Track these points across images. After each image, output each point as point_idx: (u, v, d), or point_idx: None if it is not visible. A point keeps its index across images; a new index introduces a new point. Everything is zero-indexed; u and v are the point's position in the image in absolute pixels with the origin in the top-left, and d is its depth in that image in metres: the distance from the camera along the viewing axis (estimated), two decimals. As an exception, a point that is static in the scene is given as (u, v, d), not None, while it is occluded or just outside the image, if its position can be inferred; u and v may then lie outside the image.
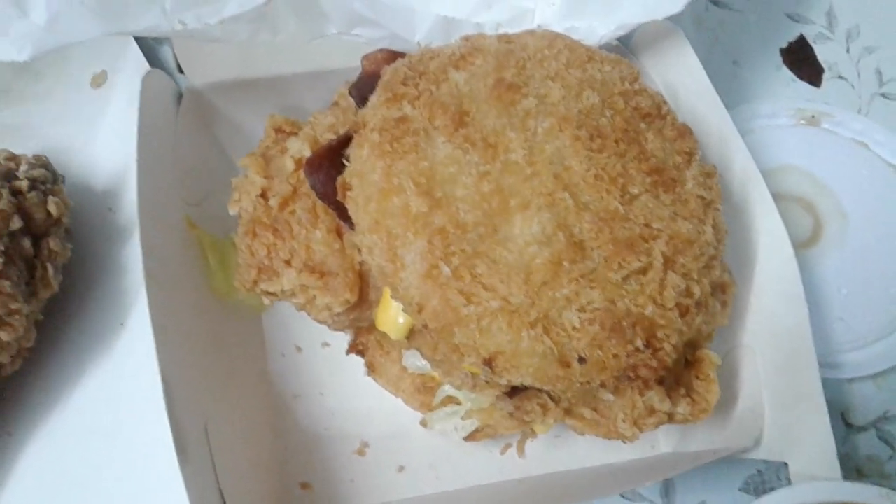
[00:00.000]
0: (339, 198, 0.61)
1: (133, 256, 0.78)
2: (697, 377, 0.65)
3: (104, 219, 0.79)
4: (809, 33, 0.93)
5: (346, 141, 0.63)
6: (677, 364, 0.65)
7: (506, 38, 0.66)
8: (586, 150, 0.60)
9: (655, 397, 0.63)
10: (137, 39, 0.78)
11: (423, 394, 0.71)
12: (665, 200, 0.62)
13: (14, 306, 0.64)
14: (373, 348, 0.73)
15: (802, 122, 0.87)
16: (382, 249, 0.57)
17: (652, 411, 0.63)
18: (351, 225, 0.62)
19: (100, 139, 0.81)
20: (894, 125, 0.87)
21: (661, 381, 0.63)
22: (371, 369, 0.73)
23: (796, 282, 0.69)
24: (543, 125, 0.61)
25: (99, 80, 0.81)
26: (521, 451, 0.74)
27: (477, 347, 0.56)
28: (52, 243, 0.70)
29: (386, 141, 0.59)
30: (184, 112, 0.75)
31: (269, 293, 0.66)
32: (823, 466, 0.63)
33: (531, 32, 0.67)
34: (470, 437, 0.71)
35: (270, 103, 0.77)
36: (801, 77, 0.90)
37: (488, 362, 0.57)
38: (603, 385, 0.59)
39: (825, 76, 0.90)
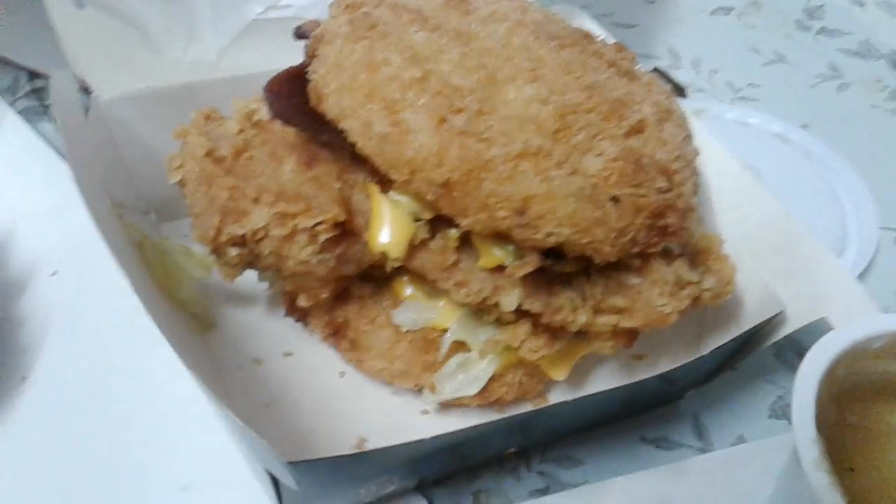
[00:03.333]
0: (313, 104, 0.56)
1: (29, 309, 0.66)
2: (709, 259, 0.62)
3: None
4: (662, 66, 1.04)
5: (304, 66, 0.60)
6: (687, 249, 0.62)
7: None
8: (548, 46, 0.61)
9: (682, 267, 0.59)
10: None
11: (425, 352, 0.61)
12: (633, 84, 0.63)
13: None
14: (355, 319, 0.63)
15: (686, 118, 0.94)
16: (382, 116, 0.52)
17: (682, 284, 0.59)
18: (330, 138, 0.56)
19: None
20: (762, 110, 0.97)
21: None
22: (354, 349, 0.63)
23: (754, 185, 0.70)
24: (503, 26, 0.61)
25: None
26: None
27: (509, 195, 0.51)
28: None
29: (359, 29, 0.56)
30: (92, 124, 0.67)
31: (236, 239, 0.56)
32: (858, 308, 0.60)
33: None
34: (486, 393, 0.61)
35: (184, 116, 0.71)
36: (669, 94, 0.98)
37: (522, 211, 0.51)
38: (635, 241, 0.55)
39: (688, 90, 1.00)
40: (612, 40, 0.76)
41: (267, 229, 0.56)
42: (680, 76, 1.02)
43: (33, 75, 0.86)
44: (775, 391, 0.70)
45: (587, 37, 0.67)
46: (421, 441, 0.50)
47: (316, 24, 0.66)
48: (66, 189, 0.55)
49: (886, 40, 1.14)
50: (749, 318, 0.63)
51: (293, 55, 0.63)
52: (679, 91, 0.99)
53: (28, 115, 0.82)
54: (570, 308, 0.57)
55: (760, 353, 0.65)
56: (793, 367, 0.69)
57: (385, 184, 0.57)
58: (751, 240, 0.68)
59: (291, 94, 0.59)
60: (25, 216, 0.73)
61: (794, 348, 0.72)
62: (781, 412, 0.69)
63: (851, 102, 1.02)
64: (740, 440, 0.66)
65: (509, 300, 0.56)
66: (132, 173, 0.72)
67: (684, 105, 0.93)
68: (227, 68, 0.74)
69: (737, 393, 0.69)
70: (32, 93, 0.84)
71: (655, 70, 1.03)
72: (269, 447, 0.44)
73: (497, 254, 0.56)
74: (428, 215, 0.56)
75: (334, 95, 0.55)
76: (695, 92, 1.01)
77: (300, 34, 0.65)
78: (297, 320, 0.65)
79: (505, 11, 0.63)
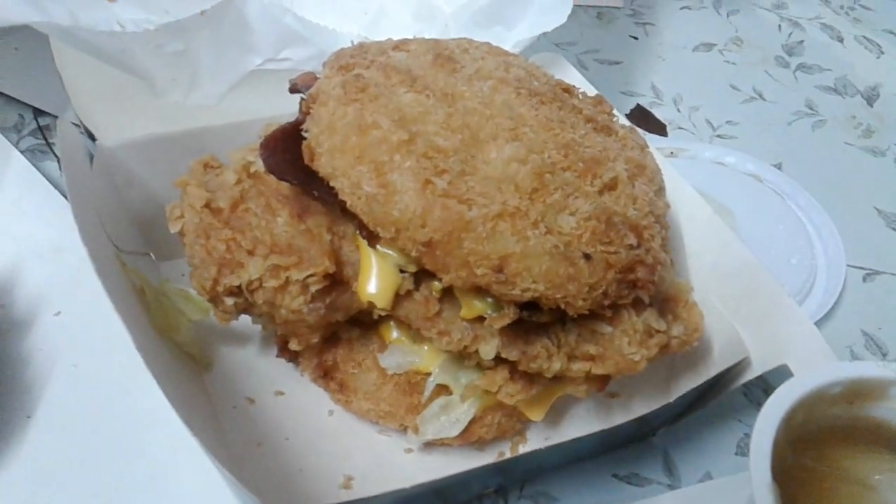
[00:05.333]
0: (306, 162, 0.60)
1: (33, 349, 0.70)
2: (678, 307, 0.66)
3: (-1, 316, 0.71)
4: (643, 102, 1.08)
5: (298, 124, 0.63)
6: (657, 297, 0.66)
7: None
8: (530, 103, 0.65)
9: (651, 317, 0.62)
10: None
11: (409, 394, 0.65)
12: (608, 140, 0.66)
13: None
14: (343, 362, 0.66)
15: (664, 157, 0.97)
16: (371, 178, 0.56)
17: (651, 333, 0.62)
18: (322, 193, 0.60)
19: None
20: (739, 148, 1.01)
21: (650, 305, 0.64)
22: (342, 390, 0.66)
23: (725, 231, 0.74)
24: (487, 84, 0.65)
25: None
26: (514, 452, 0.68)
27: (487, 254, 0.55)
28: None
29: (351, 92, 0.60)
30: (97, 169, 0.71)
31: (232, 289, 0.60)
32: (818, 355, 0.64)
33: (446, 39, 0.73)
34: (466, 434, 0.64)
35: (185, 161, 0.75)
36: (649, 132, 1.02)
37: (499, 268, 0.55)
38: (606, 294, 0.59)
39: (668, 129, 1.04)
40: (593, 85, 0.80)
41: (261, 280, 0.59)
42: (661, 113, 1.06)
43: (38, 113, 0.89)
44: (742, 428, 0.74)
45: (567, 90, 0.71)
46: (404, 489, 0.53)
47: (311, 77, 0.69)
48: (70, 228, 0.59)
49: (864, 76, 1.18)
50: (716, 363, 0.67)
51: (289, 102, 0.67)
52: (660, 129, 1.03)
53: (33, 154, 0.85)
54: (545, 356, 0.61)
55: (729, 392, 0.69)
56: (760, 405, 0.73)
57: (373, 237, 0.61)
58: (719, 285, 0.72)
59: (286, 151, 0.62)
60: (29, 256, 0.76)
61: (762, 386, 0.76)
62: (748, 449, 0.72)
63: (826, 140, 1.07)
64: (707, 476, 0.70)
65: (488, 349, 0.60)
66: (133, 215, 0.75)
67: (664, 144, 0.98)
68: (227, 112, 0.77)
69: (705, 430, 0.73)
70: (38, 130, 0.88)
71: (638, 107, 1.07)
72: (257, 501, 0.47)
73: (477, 305, 0.59)
74: (413, 268, 0.60)
75: (326, 155, 0.58)
76: (675, 129, 1.04)
77: (294, 89, 0.68)
78: (289, 360, 0.69)
79: (489, 69, 0.67)
